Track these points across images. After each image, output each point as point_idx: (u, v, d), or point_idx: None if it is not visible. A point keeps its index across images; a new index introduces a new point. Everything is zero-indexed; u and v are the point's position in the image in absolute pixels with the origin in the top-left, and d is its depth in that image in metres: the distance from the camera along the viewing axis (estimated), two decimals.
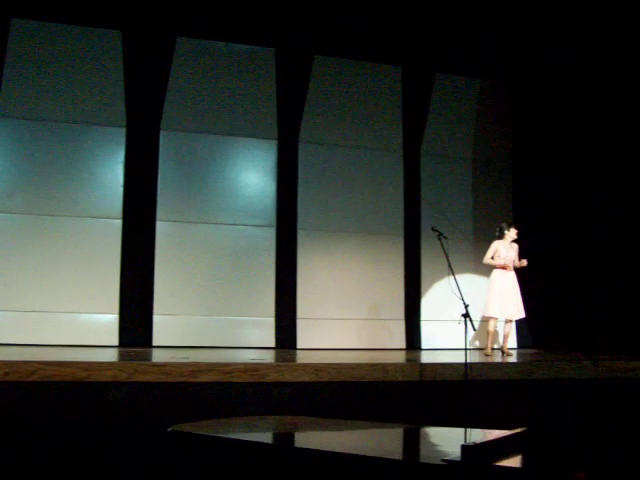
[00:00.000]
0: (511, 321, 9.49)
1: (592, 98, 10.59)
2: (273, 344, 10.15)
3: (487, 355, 9.09)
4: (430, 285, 10.87)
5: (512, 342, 10.35)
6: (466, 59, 10.93)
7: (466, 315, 6.40)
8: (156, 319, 9.77)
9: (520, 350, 10.56)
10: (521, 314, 9.41)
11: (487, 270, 9.71)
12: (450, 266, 6.67)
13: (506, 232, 9.48)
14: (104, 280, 9.60)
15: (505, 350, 9.28)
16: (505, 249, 9.41)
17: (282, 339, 10.23)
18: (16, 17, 9.51)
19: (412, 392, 6.78)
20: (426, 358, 8.80)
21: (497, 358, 8.88)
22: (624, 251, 10.45)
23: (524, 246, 10.92)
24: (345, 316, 10.43)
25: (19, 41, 9.52)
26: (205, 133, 10.28)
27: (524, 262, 9.36)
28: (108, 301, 9.59)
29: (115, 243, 9.73)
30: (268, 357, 8.34)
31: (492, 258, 9.42)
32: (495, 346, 9.63)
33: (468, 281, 9.92)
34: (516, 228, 9.52)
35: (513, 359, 8.80)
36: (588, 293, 10.67)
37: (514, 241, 9.52)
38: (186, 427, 3.82)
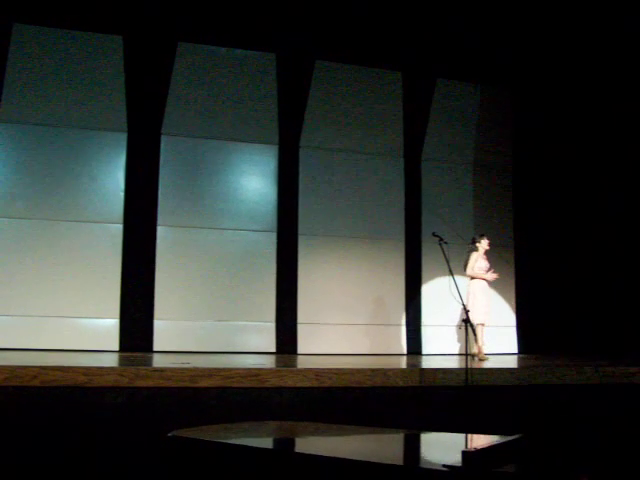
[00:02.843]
0: (485, 325, 9.55)
1: (592, 102, 10.61)
2: (274, 349, 10.16)
3: (482, 360, 9.08)
4: (431, 290, 10.87)
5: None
6: (467, 64, 10.94)
7: (467, 320, 6.39)
8: (157, 324, 9.78)
9: (520, 356, 10.56)
10: (487, 320, 9.51)
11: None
12: (451, 271, 6.66)
13: (478, 244, 9.59)
14: (105, 285, 9.61)
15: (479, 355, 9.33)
16: (483, 260, 9.55)
17: (283, 344, 10.23)
18: (18, 22, 9.54)
19: (413, 397, 6.77)
20: (427, 363, 8.78)
21: (495, 363, 8.86)
22: (625, 257, 10.45)
23: (523, 251, 10.96)
24: (346, 321, 10.43)
25: (21, 46, 9.55)
26: (206, 138, 10.29)
27: (493, 276, 9.52)
28: (109, 306, 9.60)
29: (116, 248, 9.74)
30: (269, 362, 8.32)
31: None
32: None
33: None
34: (487, 239, 9.62)
35: (513, 365, 8.79)
36: (588, 298, 10.67)
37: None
38: (186, 432, 3.81)
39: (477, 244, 9.63)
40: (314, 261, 10.56)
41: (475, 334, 6.65)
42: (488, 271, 9.54)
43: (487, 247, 9.61)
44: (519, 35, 10.56)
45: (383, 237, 10.83)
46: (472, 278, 9.51)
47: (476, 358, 9.08)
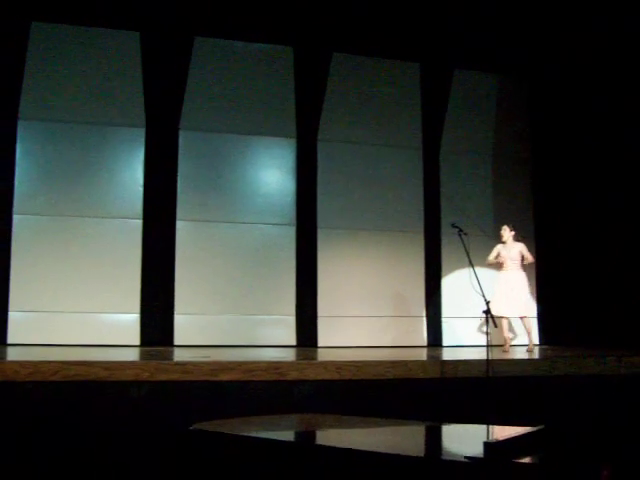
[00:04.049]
0: (525, 317, 9.45)
1: (611, 90, 10.50)
2: (294, 342, 10.16)
3: (504, 352, 9.08)
4: (451, 282, 10.83)
5: (534, 338, 10.23)
6: (484, 55, 10.87)
7: (487, 312, 6.36)
8: (177, 318, 9.81)
9: (542, 347, 10.50)
10: (522, 312, 9.38)
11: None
12: (471, 262, 6.64)
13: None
14: (125, 280, 9.65)
15: (528, 347, 9.32)
16: (505, 250, 9.49)
17: (303, 337, 10.23)
18: (36, 20, 9.59)
19: (434, 389, 6.77)
20: (447, 355, 8.78)
21: (516, 355, 8.83)
22: None
23: (544, 242, 10.88)
24: (366, 313, 10.42)
25: (39, 44, 9.60)
26: (224, 132, 10.30)
27: (529, 259, 9.44)
28: (129, 301, 9.64)
29: (135, 243, 9.79)
30: (289, 355, 8.35)
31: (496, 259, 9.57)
32: (514, 342, 9.62)
33: (489, 277, 9.84)
34: (512, 228, 9.55)
35: (535, 355, 8.76)
36: (611, 288, 10.58)
37: (519, 241, 9.57)
38: (208, 425, 3.83)
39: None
40: (333, 254, 10.55)
41: (495, 326, 6.59)
42: (502, 260, 9.49)
43: (504, 235, 9.54)
44: (536, 24, 10.47)
45: (402, 229, 10.79)
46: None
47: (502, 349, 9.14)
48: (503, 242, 9.54)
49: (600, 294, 10.68)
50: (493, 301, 9.16)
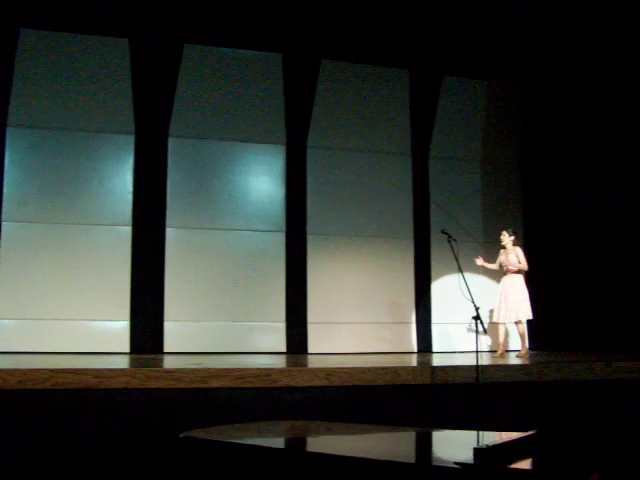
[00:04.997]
0: (520, 322, 9.45)
1: (601, 98, 10.56)
2: (284, 349, 10.16)
3: (495, 357, 9.12)
4: (440, 288, 10.86)
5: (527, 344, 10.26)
6: (473, 61, 10.92)
7: (477, 317, 6.37)
8: (167, 325, 9.80)
9: (531, 352, 10.52)
10: (515, 317, 9.34)
11: (497, 272, 9.73)
12: (460, 268, 6.65)
13: None
14: (115, 287, 9.64)
15: (520, 352, 9.35)
16: (504, 254, 9.53)
17: (293, 344, 10.24)
18: (24, 27, 9.57)
19: (424, 395, 6.76)
20: (437, 361, 8.77)
21: (507, 360, 8.84)
22: (637, 251, 10.39)
23: (533, 248, 10.91)
24: (356, 320, 10.43)
25: (28, 51, 9.59)
26: (213, 139, 10.31)
27: (521, 265, 9.41)
28: (119, 308, 9.62)
29: (125, 250, 9.77)
30: (279, 362, 8.33)
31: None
32: (508, 348, 9.65)
33: (478, 283, 9.89)
34: (511, 233, 9.57)
35: (525, 361, 8.77)
36: (600, 294, 10.63)
37: (518, 245, 9.59)
38: (198, 433, 3.81)
39: None
40: (323, 260, 10.56)
41: (485, 332, 6.60)
42: (503, 265, 9.52)
43: (504, 240, 9.54)
44: (525, 31, 10.52)
45: (392, 235, 10.82)
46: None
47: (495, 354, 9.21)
48: (503, 247, 9.56)
49: (588, 300, 10.72)
50: (495, 307, 9.32)
